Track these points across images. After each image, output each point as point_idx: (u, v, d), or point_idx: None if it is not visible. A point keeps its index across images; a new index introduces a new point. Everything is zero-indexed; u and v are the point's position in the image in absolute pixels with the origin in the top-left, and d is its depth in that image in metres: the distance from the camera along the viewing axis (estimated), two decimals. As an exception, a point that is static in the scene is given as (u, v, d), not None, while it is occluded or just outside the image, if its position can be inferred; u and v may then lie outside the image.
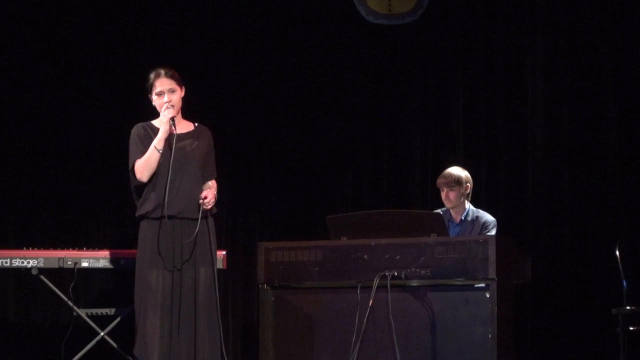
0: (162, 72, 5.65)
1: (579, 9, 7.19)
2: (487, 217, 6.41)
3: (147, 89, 5.67)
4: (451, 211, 6.45)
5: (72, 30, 7.51)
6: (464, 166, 6.62)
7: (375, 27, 7.60)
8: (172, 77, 5.65)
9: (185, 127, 5.70)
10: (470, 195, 6.47)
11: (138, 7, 7.60)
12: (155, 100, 5.66)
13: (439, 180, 6.43)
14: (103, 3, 7.57)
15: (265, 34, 7.67)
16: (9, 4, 7.42)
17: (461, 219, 6.41)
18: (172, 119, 5.57)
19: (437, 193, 6.49)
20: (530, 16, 7.31)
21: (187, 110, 5.73)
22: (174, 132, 5.56)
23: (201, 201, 5.53)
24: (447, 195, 6.40)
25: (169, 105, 5.59)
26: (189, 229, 5.53)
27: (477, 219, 6.39)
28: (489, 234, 6.28)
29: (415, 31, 7.57)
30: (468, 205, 6.45)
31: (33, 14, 7.48)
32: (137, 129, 5.67)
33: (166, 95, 5.62)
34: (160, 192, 5.54)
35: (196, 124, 5.78)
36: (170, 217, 5.52)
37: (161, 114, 5.61)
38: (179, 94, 5.66)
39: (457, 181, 6.38)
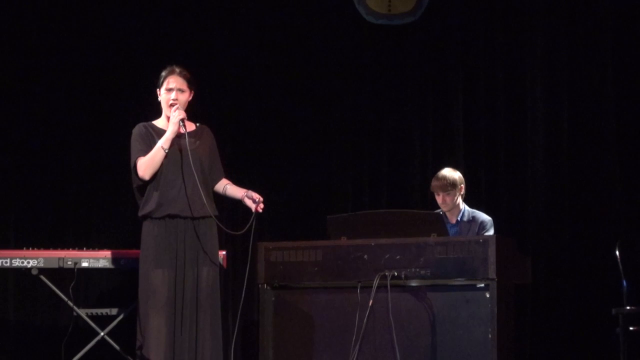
0: (176, 70, 5.65)
1: (579, 8, 7.18)
2: (484, 216, 6.41)
3: (158, 83, 5.67)
4: (447, 212, 6.44)
5: (73, 29, 7.51)
6: (464, 166, 6.62)
7: (375, 27, 7.60)
8: (184, 77, 5.66)
9: (187, 126, 5.69)
10: (464, 195, 6.47)
11: (139, 7, 7.60)
12: (163, 96, 5.65)
13: (434, 184, 6.41)
14: (104, 4, 7.58)
15: (265, 33, 7.67)
16: (11, 5, 7.42)
17: (457, 219, 6.41)
18: (182, 120, 5.58)
19: (435, 196, 6.48)
20: (530, 16, 7.31)
21: (189, 108, 5.72)
22: (184, 132, 5.57)
23: (256, 200, 5.59)
24: (444, 200, 6.39)
25: (179, 107, 5.60)
26: (192, 228, 5.53)
27: (473, 219, 6.39)
28: (487, 233, 6.28)
29: (415, 31, 7.57)
30: (463, 205, 6.44)
31: (35, 14, 7.48)
32: (138, 129, 5.68)
33: (174, 93, 5.62)
34: (163, 191, 5.54)
35: (198, 124, 5.78)
36: (173, 217, 5.53)
37: (171, 114, 5.60)
38: (187, 95, 5.67)
39: (452, 184, 6.37)
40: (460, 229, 6.37)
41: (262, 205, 5.65)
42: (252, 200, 5.65)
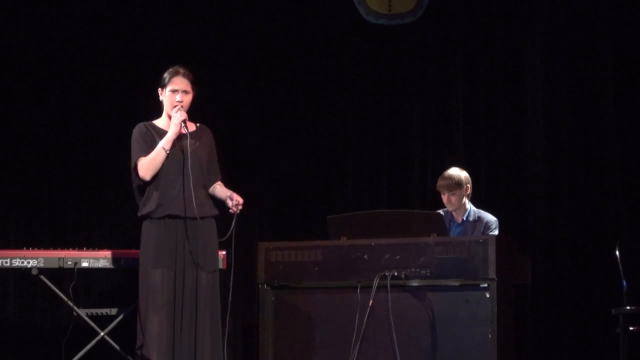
0: (181, 71, 5.65)
1: (579, 8, 7.19)
2: (489, 217, 6.41)
3: (160, 84, 5.66)
4: (453, 212, 6.44)
5: (73, 29, 7.51)
6: (464, 166, 6.62)
7: (375, 27, 7.60)
8: (188, 78, 5.66)
9: (188, 127, 5.68)
10: (470, 195, 6.47)
11: (139, 7, 7.60)
12: (167, 97, 5.64)
13: (440, 183, 6.41)
14: (103, 4, 7.58)
15: (265, 33, 7.67)
16: (11, 3, 7.43)
17: (463, 219, 6.41)
18: (184, 121, 5.57)
19: (437, 193, 6.49)
20: (530, 16, 7.31)
21: (189, 108, 5.72)
22: (186, 132, 5.56)
23: (234, 202, 5.55)
24: (449, 199, 6.39)
25: (180, 107, 5.59)
26: (191, 229, 5.53)
27: (479, 219, 6.39)
28: (492, 233, 6.28)
29: (415, 31, 7.57)
30: (469, 205, 6.44)
31: (34, 13, 7.48)
32: (139, 128, 5.68)
33: (179, 95, 5.62)
34: (163, 192, 5.54)
35: (198, 124, 5.78)
36: (172, 217, 5.53)
37: (173, 115, 5.59)
38: (190, 96, 5.67)
39: (458, 184, 6.36)
40: (465, 229, 6.38)
41: (240, 207, 5.59)
42: (232, 201, 5.62)
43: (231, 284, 5.59)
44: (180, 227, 5.54)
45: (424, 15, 7.53)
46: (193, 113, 5.75)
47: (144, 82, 6.02)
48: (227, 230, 5.61)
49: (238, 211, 5.59)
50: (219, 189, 5.74)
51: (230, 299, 5.59)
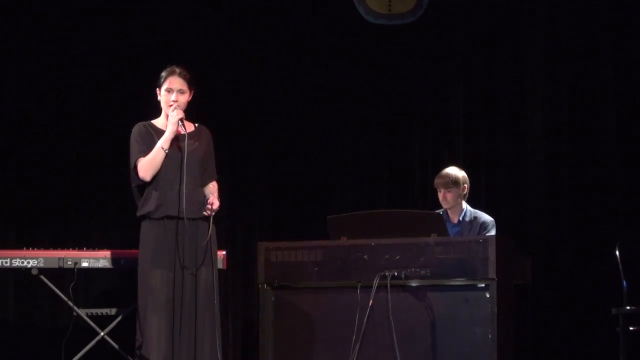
0: (177, 70, 5.65)
1: (579, 8, 7.19)
2: (486, 217, 6.41)
3: (157, 83, 5.66)
4: (448, 212, 6.44)
5: (73, 29, 7.51)
6: (464, 166, 6.62)
7: (375, 27, 7.60)
8: (184, 77, 5.65)
9: (186, 127, 5.68)
10: (467, 195, 6.47)
11: (139, 7, 7.60)
12: (163, 97, 5.65)
13: (436, 181, 6.43)
14: (104, 3, 7.58)
15: (264, 33, 7.67)
16: (11, 1, 7.43)
17: (459, 219, 6.41)
18: (181, 119, 5.57)
19: (437, 193, 6.49)
20: (531, 16, 7.31)
21: (188, 108, 5.73)
22: (184, 132, 5.56)
23: (209, 206, 5.54)
24: (445, 196, 6.39)
25: (176, 106, 5.59)
26: (190, 229, 5.53)
27: (475, 219, 6.39)
28: (488, 234, 6.28)
29: (415, 31, 7.57)
30: (465, 205, 6.44)
31: (34, 13, 7.48)
32: (138, 128, 5.68)
33: (174, 95, 5.62)
34: (162, 192, 5.54)
35: (197, 125, 5.78)
36: (171, 217, 5.52)
37: (170, 115, 5.60)
38: (187, 96, 5.66)
39: (455, 182, 6.37)
40: (461, 229, 6.37)
41: (212, 211, 5.55)
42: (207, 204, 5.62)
43: (215, 288, 5.58)
44: (179, 227, 5.53)
45: (424, 15, 7.53)
46: (192, 113, 5.75)
47: (144, 82, 6.02)
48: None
49: (212, 214, 5.56)
50: (208, 189, 5.73)
51: (216, 301, 5.58)
